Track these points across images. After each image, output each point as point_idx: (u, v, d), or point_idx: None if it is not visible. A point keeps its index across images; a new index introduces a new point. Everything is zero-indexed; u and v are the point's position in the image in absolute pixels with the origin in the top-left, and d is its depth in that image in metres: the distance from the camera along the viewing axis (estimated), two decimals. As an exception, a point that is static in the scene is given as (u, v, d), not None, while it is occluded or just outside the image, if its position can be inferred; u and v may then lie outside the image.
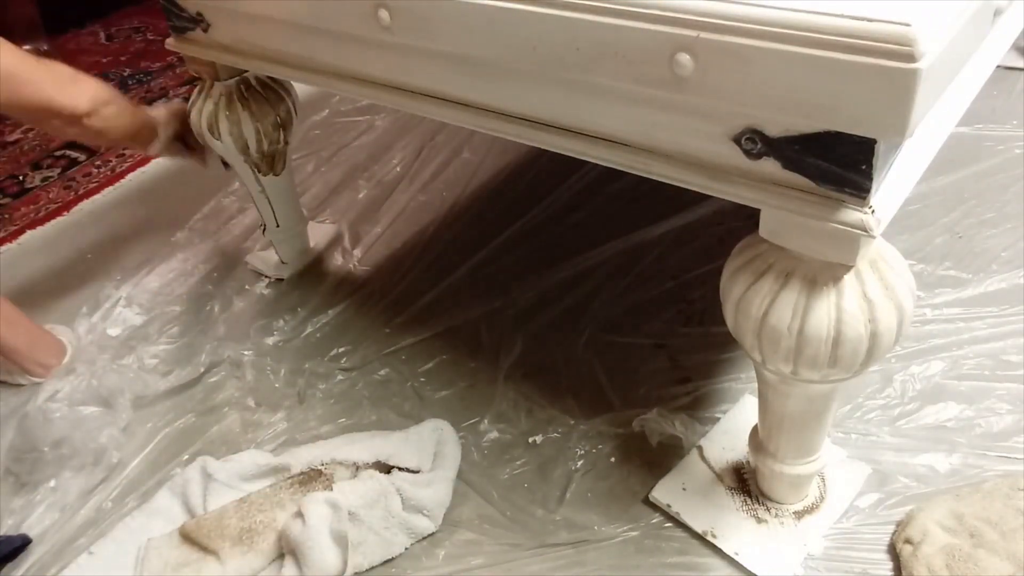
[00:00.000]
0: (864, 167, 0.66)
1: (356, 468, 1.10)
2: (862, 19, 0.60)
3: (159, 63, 2.40)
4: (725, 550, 0.98)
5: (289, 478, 1.09)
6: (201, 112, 1.28)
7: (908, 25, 0.59)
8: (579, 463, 1.12)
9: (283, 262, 1.52)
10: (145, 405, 1.27)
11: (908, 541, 0.95)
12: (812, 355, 0.76)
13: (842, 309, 0.73)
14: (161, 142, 1.31)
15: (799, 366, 0.78)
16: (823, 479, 1.03)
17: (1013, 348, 1.20)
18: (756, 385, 0.91)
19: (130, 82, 2.32)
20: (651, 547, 1.01)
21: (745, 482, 1.04)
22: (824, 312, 0.74)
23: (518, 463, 1.13)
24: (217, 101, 1.26)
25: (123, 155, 1.97)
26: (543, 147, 0.86)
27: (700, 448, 1.09)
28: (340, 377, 1.29)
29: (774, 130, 0.69)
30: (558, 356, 1.28)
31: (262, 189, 1.40)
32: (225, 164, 1.39)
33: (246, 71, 1.25)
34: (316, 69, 1.04)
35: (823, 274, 0.74)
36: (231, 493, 1.09)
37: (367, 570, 1.01)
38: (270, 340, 1.37)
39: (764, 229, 0.76)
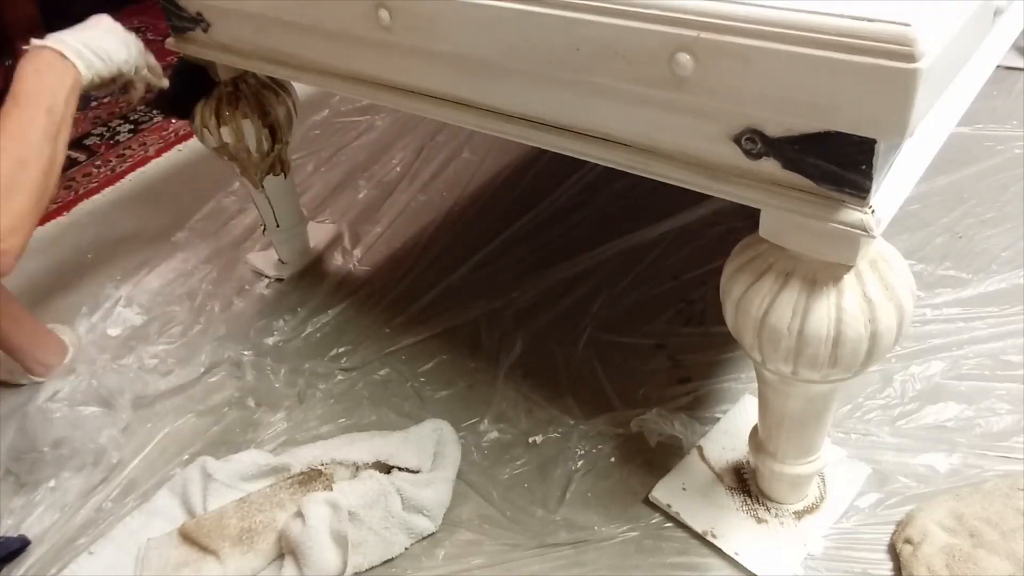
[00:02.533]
0: (864, 167, 0.66)
1: (356, 468, 1.10)
2: (862, 19, 0.60)
3: (159, 63, 2.40)
4: (725, 550, 0.98)
5: (289, 478, 1.09)
6: (201, 112, 1.28)
7: (908, 25, 0.58)
8: (579, 463, 1.12)
9: (283, 262, 1.52)
10: (145, 405, 1.27)
11: (908, 541, 0.95)
12: (812, 355, 0.76)
13: (842, 309, 0.73)
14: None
15: (799, 366, 0.78)
16: (823, 479, 1.03)
17: (1013, 348, 1.20)
18: (756, 385, 0.91)
19: (130, 82, 2.32)
20: (651, 547, 1.01)
21: (745, 482, 1.04)
22: (824, 312, 0.74)
23: (518, 463, 1.13)
24: (217, 100, 1.27)
25: (123, 155, 1.97)
26: (543, 147, 0.86)
27: (700, 448, 1.09)
28: (340, 377, 1.29)
29: (774, 130, 0.69)
30: (558, 356, 1.28)
31: (262, 189, 1.40)
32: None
33: (246, 71, 1.25)
34: (316, 69, 1.04)
35: (823, 274, 0.74)
36: (231, 493, 1.09)
37: (367, 570, 1.01)
38: (270, 340, 1.37)
39: (764, 229, 0.76)
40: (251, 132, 1.29)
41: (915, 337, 1.23)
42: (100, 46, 1.04)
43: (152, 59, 1.16)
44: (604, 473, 1.10)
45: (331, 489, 1.05)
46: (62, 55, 0.99)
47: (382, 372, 1.29)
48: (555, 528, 1.04)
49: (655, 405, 1.15)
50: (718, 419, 1.14)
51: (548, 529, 1.04)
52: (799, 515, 1.00)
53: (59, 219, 1.75)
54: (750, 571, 0.96)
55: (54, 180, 0.96)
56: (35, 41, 0.99)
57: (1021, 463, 1.05)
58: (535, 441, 1.15)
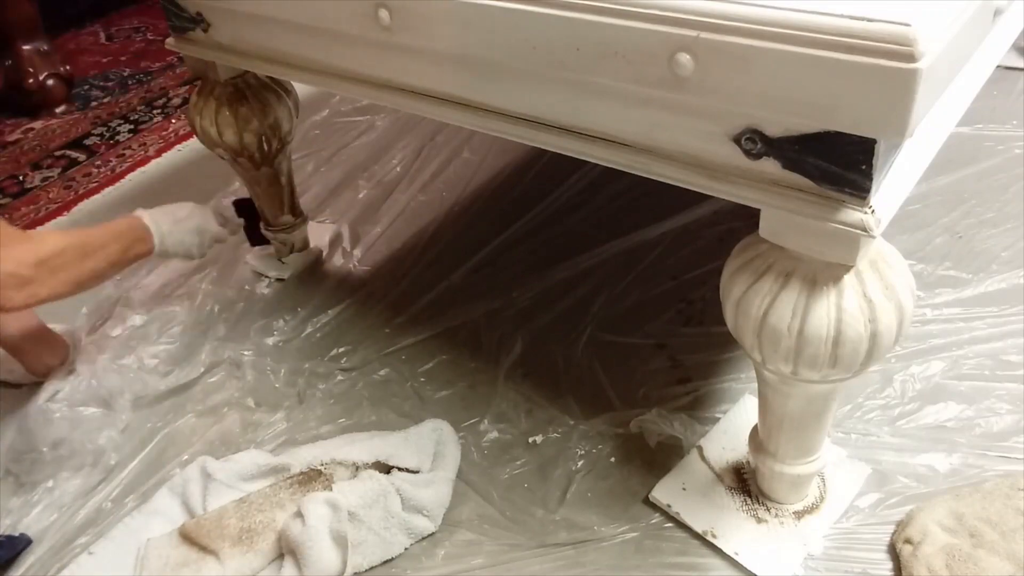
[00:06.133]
0: (864, 167, 0.66)
1: (356, 468, 1.10)
2: (862, 19, 0.60)
3: (159, 63, 2.40)
4: (725, 550, 0.98)
5: (289, 478, 1.09)
6: (201, 112, 1.28)
7: (908, 25, 0.59)
8: (579, 463, 1.12)
9: (283, 262, 1.52)
10: (145, 405, 1.27)
11: (908, 541, 0.95)
12: (812, 355, 0.76)
13: (842, 309, 0.73)
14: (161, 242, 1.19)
15: (799, 366, 0.78)
16: (823, 479, 1.03)
17: (1013, 348, 1.20)
18: (756, 385, 0.91)
19: (130, 82, 2.32)
20: (651, 547, 1.01)
21: (745, 482, 1.04)
22: (824, 312, 0.74)
23: (518, 463, 1.13)
24: (217, 101, 1.27)
25: (123, 155, 1.97)
26: (543, 147, 0.86)
27: (700, 448, 1.09)
28: (340, 377, 1.29)
29: (774, 130, 0.69)
30: (558, 356, 1.28)
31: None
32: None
33: (246, 71, 1.25)
34: (316, 69, 1.04)
35: (823, 274, 0.74)
36: (231, 493, 1.09)
37: (367, 570, 1.01)
38: (270, 340, 1.37)
39: (764, 229, 0.76)
40: (251, 132, 1.29)
41: (915, 337, 1.23)
42: (180, 240, 1.22)
43: (217, 229, 1.31)
44: (604, 473, 1.10)
45: (331, 489, 1.05)
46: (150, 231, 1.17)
47: (382, 372, 1.29)
48: (555, 528, 1.04)
49: (655, 405, 1.15)
50: (718, 419, 1.14)
51: (548, 529, 1.04)
52: (799, 515, 1.00)
53: (59, 219, 1.75)
54: (750, 571, 0.96)
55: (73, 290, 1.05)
56: (140, 212, 1.19)
57: (1021, 463, 1.05)
58: (535, 441, 1.15)
